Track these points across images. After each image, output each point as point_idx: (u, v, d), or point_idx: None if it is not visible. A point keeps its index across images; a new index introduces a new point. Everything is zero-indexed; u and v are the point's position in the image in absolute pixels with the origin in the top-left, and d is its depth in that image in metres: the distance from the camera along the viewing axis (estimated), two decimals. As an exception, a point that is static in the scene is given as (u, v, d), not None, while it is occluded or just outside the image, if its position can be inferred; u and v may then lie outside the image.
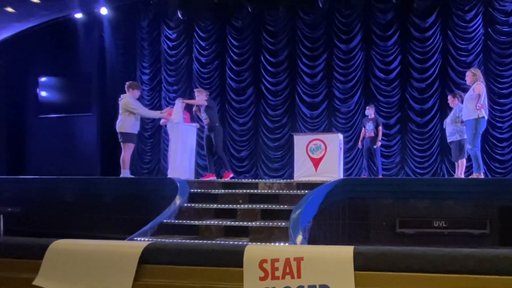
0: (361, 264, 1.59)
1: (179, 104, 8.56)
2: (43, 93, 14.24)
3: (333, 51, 11.58)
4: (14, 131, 14.08)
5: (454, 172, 9.12)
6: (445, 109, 10.47)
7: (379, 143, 9.72)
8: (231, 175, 8.69)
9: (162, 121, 8.85)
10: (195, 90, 9.07)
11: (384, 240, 6.85)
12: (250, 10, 12.04)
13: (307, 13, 11.81)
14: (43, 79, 14.23)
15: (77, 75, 13.53)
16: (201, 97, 8.48)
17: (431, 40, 10.97)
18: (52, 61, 13.83)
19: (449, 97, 8.57)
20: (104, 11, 12.74)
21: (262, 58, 12.14)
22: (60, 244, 1.90)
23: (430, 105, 10.84)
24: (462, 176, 8.29)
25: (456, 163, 8.53)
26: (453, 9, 10.85)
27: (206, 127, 8.49)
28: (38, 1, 11.91)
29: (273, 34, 12.09)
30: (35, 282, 1.83)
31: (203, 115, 8.45)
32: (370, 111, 9.76)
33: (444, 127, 8.63)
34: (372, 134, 9.61)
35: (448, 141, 8.47)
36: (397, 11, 11.15)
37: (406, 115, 11.03)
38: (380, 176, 9.42)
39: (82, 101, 13.19)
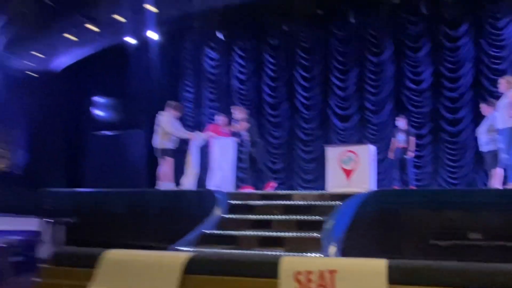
0: (394, 277, 1.48)
1: (202, 137, 8.39)
2: (98, 112, 14.46)
3: (365, 64, 11.00)
4: (72, 148, 14.38)
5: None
6: (478, 118, 9.57)
7: (411, 154, 8.97)
8: (273, 185, 8.38)
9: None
10: (232, 107, 8.86)
11: (417, 252, 6.20)
12: (285, 28, 11.73)
13: (339, 28, 11.33)
14: (98, 99, 14.47)
15: (128, 94, 13.64)
16: (240, 116, 8.32)
17: (463, 49, 10.13)
18: (106, 83, 14.05)
19: (482, 105, 7.70)
20: (152, 35, 12.70)
21: (296, 73, 11.75)
22: (111, 254, 1.92)
23: (463, 114, 9.97)
24: (498, 186, 7.42)
25: (490, 173, 7.65)
26: (485, 16, 9.99)
27: (247, 143, 8.27)
28: (96, 29, 12.00)
29: (307, 51, 11.68)
30: None
31: (244, 132, 8.24)
32: (401, 122, 9.03)
33: (476, 135, 7.78)
34: (404, 145, 8.87)
35: (483, 150, 7.62)
36: (427, 22, 10.42)
37: (438, 125, 10.22)
38: (411, 187, 8.66)
39: (132, 119, 13.24)
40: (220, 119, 8.95)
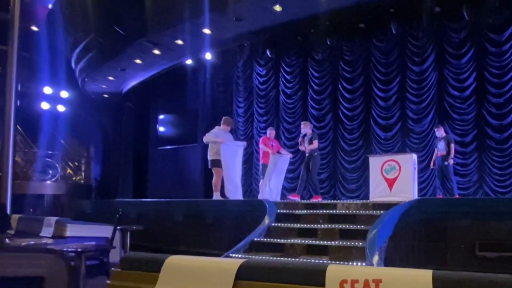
0: None
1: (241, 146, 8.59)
2: (161, 128, 14.87)
3: (406, 73, 10.42)
4: (139, 161, 14.89)
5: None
6: (526, 123, 8.79)
7: (451, 161, 8.40)
8: (320, 199, 8.24)
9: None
10: (302, 123, 8.93)
11: (463, 263, 5.80)
12: (329, 43, 11.50)
13: (380, 40, 10.86)
14: (161, 116, 14.89)
15: (187, 111, 13.96)
16: (308, 130, 8.50)
17: (508, 54, 9.29)
18: (168, 101, 14.46)
19: None
20: (208, 56, 12.95)
21: (339, 86, 11.42)
22: (174, 260, 1.94)
23: (509, 121, 9.11)
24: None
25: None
26: (531, 20, 9.08)
27: (307, 154, 8.39)
28: (159, 53, 12.41)
29: (349, 63, 11.32)
30: None
31: (306, 144, 8.36)
32: (439, 132, 8.48)
33: None
34: (444, 153, 8.31)
35: None
36: (470, 28, 9.68)
37: (483, 132, 9.41)
38: (456, 196, 8.07)
39: (191, 134, 13.51)
40: (270, 132, 9.00)
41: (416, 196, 7.63)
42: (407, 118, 10.33)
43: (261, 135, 12.48)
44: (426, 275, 1.42)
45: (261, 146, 8.94)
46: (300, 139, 8.64)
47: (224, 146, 8.18)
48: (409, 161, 7.73)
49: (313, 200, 7.85)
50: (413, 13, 10.23)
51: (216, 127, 8.55)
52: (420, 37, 10.28)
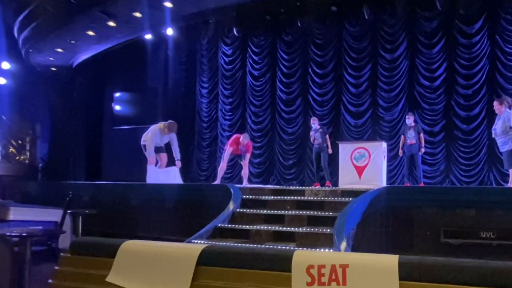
0: (406, 273, 1.45)
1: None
2: (117, 107, 14.51)
3: (378, 60, 10.75)
4: (92, 141, 14.50)
5: (503, 180, 8.08)
6: (492, 116, 9.31)
7: (423, 150, 8.82)
8: (318, 186, 8.84)
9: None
10: (312, 118, 9.81)
11: (428, 250, 6.21)
12: (299, 24, 11.58)
13: (353, 25, 11.11)
14: (117, 94, 14.53)
15: (146, 90, 13.69)
16: (316, 125, 9.41)
17: (478, 46, 9.82)
18: (125, 78, 14.10)
19: (495, 103, 7.36)
20: (169, 31, 12.71)
21: (310, 70, 11.58)
22: (130, 245, 1.92)
23: (476, 112, 9.67)
24: (514, 185, 7.24)
25: (509, 173, 7.45)
26: (502, 13, 9.64)
27: (317, 146, 9.26)
28: (115, 25, 12.04)
29: (320, 47, 11.50)
30: (108, 279, 1.86)
31: (318, 137, 9.25)
32: (410, 120, 8.89)
33: (493, 136, 7.53)
34: (414, 142, 8.73)
35: (500, 151, 7.42)
36: (442, 18, 10.12)
37: (452, 122, 9.94)
38: (421, 184, 8.53)
39: (149, 114, 13.26)
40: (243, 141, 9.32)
41: (385, 184, 8.00)
42: (377, 105, 10.69)
43: (226, 118, 12.55)
44: (392, 260, 1.49)
45: (228, 147, 9.32)
46: (312, 133, 9.40)
47: (150, 168, 8.72)
48: (379, 149, 8.08)
49: (282, 187, 8.12)
50: (386, -1, 10.60)
51: (157, 129, 8.72)
52: (392, 24, 10.62)
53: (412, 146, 8.73)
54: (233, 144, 9.22)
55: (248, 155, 9.32)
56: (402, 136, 8.99)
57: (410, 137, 8.78)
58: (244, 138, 9.16)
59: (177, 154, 8.96)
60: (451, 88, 10.01)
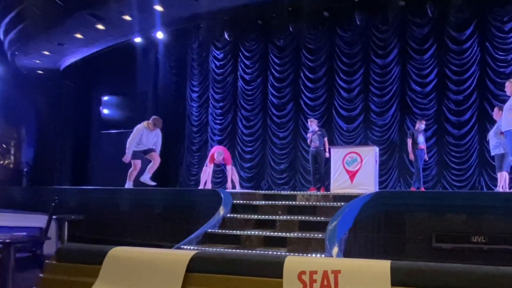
0: (398, 279, 1.46)
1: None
2: (105, 111, 14.46)
3: (370, 66, 10.93)
4: (79, 145, 14.40)
5: (493, 185, 8.21)
6: (483, 121, 9.56)
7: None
8: (314, 190, 8.95)
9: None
10: (309, 120, 9.76)
11: (420, 254, 6.23)
12: (291, 29, 11.71)
13: (345, 30, 11.28)
14: (105, 98, 14.47)
15: (135, 93, 13.67)
16: (315, 127, 9.42)
17: (468, 52, 10.06)
18: (114, 82, 14.07)
19: (495, 110, 7.62)
20: (160, 35, 12.76)
21: (301, 74, 11.71)
22: (117, 251, 1.89)
23: (467, 117, 9.88)
24: (506, 189, 7.38)
25: (498, 176, 7.62)
26: (491, 20, 9.89)
27: (313, 149, 9.26)
28: (103, 28, 12.05)
29: (312, 52, 11.64)
30: (94, 287, 1.82)
31: (315, 140, 9.25)
32: (423, 125, 9.10)
33: (487, 139, 7.74)
34: (423, 146, 8.91)
35: (492, 154, 7.61)
36: (433, 25, 10.36)
37: (443, 128, 10.12)
38: (412, 189, 8.64)
39: (138, 118, 13.21)
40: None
41: (377, 189, 8.08)
42: (370, 110, 10.84)
43: (217, 122, 12.58)
44: (384, 265, 1.50)
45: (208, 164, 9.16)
46: (309, 135, 9.37)
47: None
48: (371, 154, 8.14)
49: (273, 191, 8.07)
50: (378, 5, 10.74)
51: (142, 126, 8.70)
52: (384, 30, 10.82)
53: (423, 150, 8.91)
54: (211, 161, 9.08)
55: (229, 167, 9.15)
56: (410, 140, 8.98)
57: (421, 141, 8.92)
58: (218, 155, 8.94)
59: (158, 148, 8.95)
60: (442, 94, 10.21)
